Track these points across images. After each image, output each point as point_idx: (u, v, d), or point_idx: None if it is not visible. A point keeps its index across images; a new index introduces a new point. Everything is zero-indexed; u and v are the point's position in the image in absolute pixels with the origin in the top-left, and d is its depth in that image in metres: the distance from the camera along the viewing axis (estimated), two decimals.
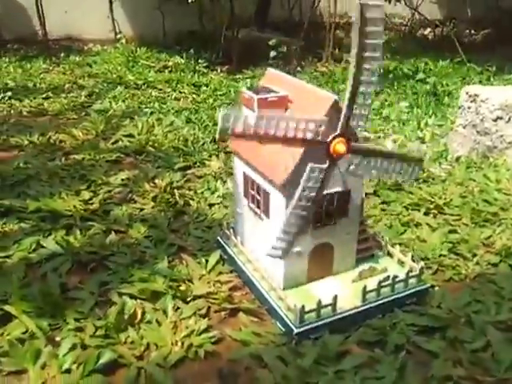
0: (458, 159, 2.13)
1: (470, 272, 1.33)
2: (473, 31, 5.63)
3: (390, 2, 3.95)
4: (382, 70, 3.84)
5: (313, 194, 1.02)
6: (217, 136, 0.91)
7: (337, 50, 4.24)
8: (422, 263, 1.19)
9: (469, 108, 2.22)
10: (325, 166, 1.01)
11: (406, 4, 5.28)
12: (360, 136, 1.04)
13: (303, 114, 1.04)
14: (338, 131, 0.98)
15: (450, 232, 1.51)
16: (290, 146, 1.00)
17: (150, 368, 0.94)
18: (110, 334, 1.00)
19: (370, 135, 2.41)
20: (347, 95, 0.94)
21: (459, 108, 2.27)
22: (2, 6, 3.71)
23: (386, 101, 3.08)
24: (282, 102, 1.11)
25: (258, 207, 1.16)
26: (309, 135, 0.97)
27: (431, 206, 1.65)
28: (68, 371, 0.92)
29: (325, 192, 1.05)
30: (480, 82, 3.56)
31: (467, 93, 2.24)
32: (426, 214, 1.62)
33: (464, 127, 2.24)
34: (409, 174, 1.09)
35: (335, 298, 1.07)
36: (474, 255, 1.40)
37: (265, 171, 1.11)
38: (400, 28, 5.51)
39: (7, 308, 1.03)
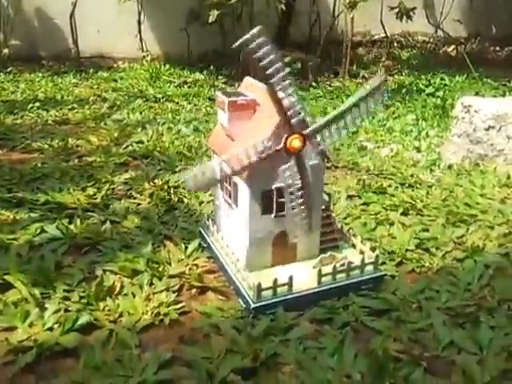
0: (450, 167, 2.22)
1: (434, 266, 1.42)
2: (497, 48, 5.65)
3: (401, 19, 4.06)
4: (396, 85, 3.94)
5: (299, 185, 1.17)
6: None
7: (354, 67, 4.37)
8: (377, 251, 1.30)
9: (463, 118, 2.31)
10: (292, 162, 1.16)
11: (428, 22, 5.38)
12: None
13: (266, 114, 1.19)
14: (286, 133, 1.13)
15: (422, 230, 1.60)
16: (258, 168, 1.14)
17: (120, 331, 1.09)
18: (90, 301, 1.16)
19: (370, 144, 2.52)
20: (273, 105, 1.09)
21: (454, 118, 2.36)
22: (39, 25, 4.04)
23: (393, 113, 3.19)
24: (251, 104, 1.26)
25: (230, 197, 1.30)
26: (262, 155, 1.12)
27: (409, 208, 1.75)
28: (50, 329, 1.08)
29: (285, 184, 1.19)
30: (494, 96, 3.61)
31: (462, 103, 2.33)
32: (403, 214, 1.71)
33: (459, 136, 2.33)
34: (379, 101, 1.18)
35: (291, 277, 1.19)
36: (441, 251, 1.49)
37: None
38: (423, 45, 5.58)
39: (7, 278, 1.21)
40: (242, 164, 1.11)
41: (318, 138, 1.17)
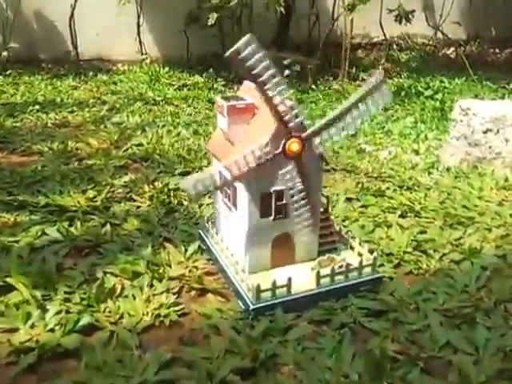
0: (448, 169, 2.23)
1: (432, 267, 1.43)
2: (497, 50, 5.66)
3: (400, 22, 4.08)
4: (395, 88, 3.96)
5: (300, 187, 1.18)
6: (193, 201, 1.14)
7: (354, 69, 4.39)
8: (375, 253, 1.31)
9: (461, 121, 2.33)
10: (291, 166, 1.17)
11: (428, 24, 5.40)
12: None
13: (265, 118, 1.21)
14: (284, 136, 1.14)
15: (420, 232, 1.61)
16: (257, 172, 1.15)
17: (121, 332, 1.10)
18: (91, 303, 1.17)
19: (369, 147, 2.53)
20: (269, 110, 1.11)
21: (453, 121, 2.38)
22: (38, 28, 4.06)
23: (392, 116, 3.20)
24: (250, 108, 1.27)
25: (229, 200, 1.32)
26: (261, 160, 1.13)
27: (407, 210, 1.76)
28: (52, 330, 1.09)
29: (285, 187, 1.21)
30: (494, 99, 3.62)
31: (460, 106, 2.34)
32: (401, 216, 1.73)
33: (457, 139, 2.34)
34: (379, 101, 1.17)
35: (289, 279, 1.20)
36: (439, 253, 1.50)
37: None
38: (422, 48, 5.59)
39: (9, 280, 1.22)
40: (242, 170, 1.13)
41: (317, 140, 1.19)
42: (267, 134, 1.14)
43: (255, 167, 1.13)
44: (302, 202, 1.20)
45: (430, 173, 2.18)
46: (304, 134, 1.15)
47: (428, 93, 3.69)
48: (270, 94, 1.08)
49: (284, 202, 1.23)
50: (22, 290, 1.19)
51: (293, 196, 1.20)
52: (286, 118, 1.11)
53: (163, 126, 2.65)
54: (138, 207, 1.71)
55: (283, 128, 1.13)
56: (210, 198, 1.78)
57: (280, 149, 1.14)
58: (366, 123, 2.95)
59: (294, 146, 1.15)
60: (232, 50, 1.02)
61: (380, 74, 1.17)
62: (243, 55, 1.02)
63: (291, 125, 1.12)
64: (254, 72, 1.04)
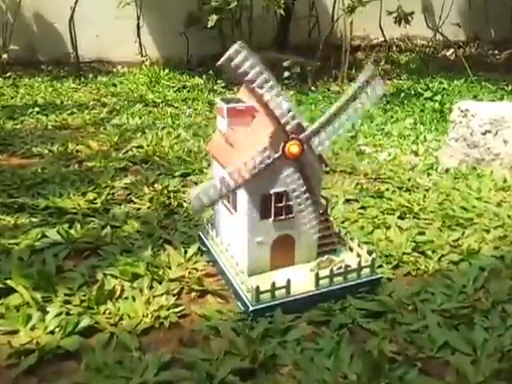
0: (447, 171, 2.23)
1: (430, 269, 1.44)
2: (496, 52, 5.66)
3: (399, 24, 4.09)
4: (395, 89, 3.97)
5: (303, 188, 1.18)
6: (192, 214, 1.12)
7: (353, 71, 4.40)
8: (374, 255, 1.31)
9: (460, 122, 2.33)
10: (292, 168, 1.17)
11: (427, 25, 5.41)
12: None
13: (265, 120, 1.21)
14: (283, 139, 1.15)
15: (419, 234, 1.62)
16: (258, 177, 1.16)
17: (121, 333, 1.11)
18: (91, 305, 1.18)
19: (368, 148, 2.54)
20: (267, 115, 1.12)
21: (452, 122, 2.38)
22: (38, 30, 4.07)
23: (392, 117, 3.20)
24: (249, 111, 1.28)
25: (229, 202, 1.32)
26: (262, 165, 1.14)
27: (406, 211, 1.77)
28: (52, 332, 1.10)
29: (285, 189, 1.21)
30: (492, 100, 3.63)
31: (459, 108, 2.35)
32: (400, 218, 1.73)
33: (456, 141, 2.35)
34: (372, 95, 1.18)
35: (288, 281, 1.21)
36: (437, 254, 1.51)
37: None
38: (422, 49, 5.59)
39: (9, 282, 1.23)
40: (244, 178, 1.14)
41: (316, 141, 1.19)
42: (266, 136, 1.15)
43: (256, 174, 1.14)
44: (307, 202, 1.20)
45: (428, 174, 2.19)
46: (302, 136, 1.16)
47: (427, 94, 3.69)
48: (266, 98, 1.08)
49: (283, 203, 1.24)
50: (22, 292, 1.19)
51: (298, 197, 1.19)
52: (283, 120, 1.11)
53: (163, 127, 2.66)
54: (138, 209, 1.72)
55: (281, 131, 1.13)
56: None
57: (279, 152, 1.15)
58: (365, 125, 2.96)
59: (293, 148, 1.16)
60: (223, 58, 1.03)
61: (370, 69, 1.17)
62: (235, 63, 1.03)
63: (289, 127, 1.13)
64: (247, 78, 1.05)
